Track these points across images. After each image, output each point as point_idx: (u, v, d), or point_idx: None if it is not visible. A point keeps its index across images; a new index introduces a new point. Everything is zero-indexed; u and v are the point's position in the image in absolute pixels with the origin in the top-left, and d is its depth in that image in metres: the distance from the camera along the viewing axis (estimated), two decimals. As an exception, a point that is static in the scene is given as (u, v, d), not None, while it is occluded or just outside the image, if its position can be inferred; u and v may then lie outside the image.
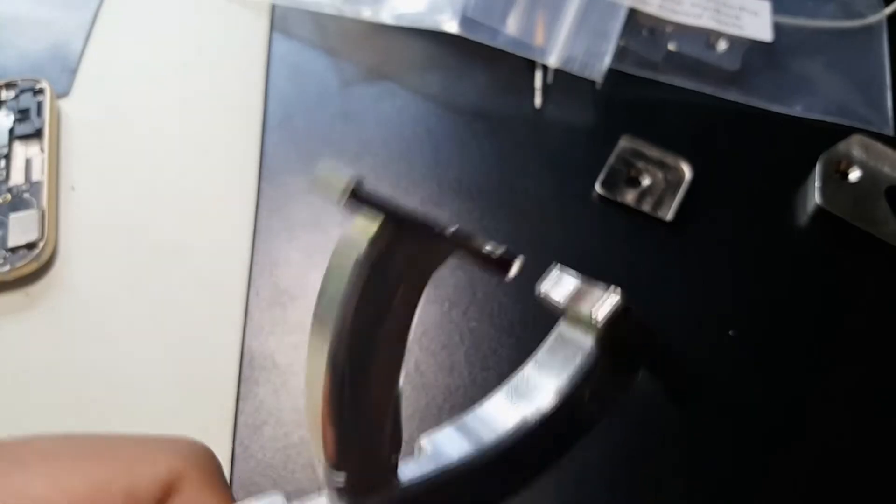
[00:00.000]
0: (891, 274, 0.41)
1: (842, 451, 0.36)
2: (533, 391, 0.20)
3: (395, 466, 0.18)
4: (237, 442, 0.35)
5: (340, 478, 0.18)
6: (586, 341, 0.20)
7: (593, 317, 0.19)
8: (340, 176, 0.17)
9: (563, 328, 0.21)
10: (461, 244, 0.18)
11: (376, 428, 0.18)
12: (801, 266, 0.42)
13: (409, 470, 0.18)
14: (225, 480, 0.22)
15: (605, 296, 0.19)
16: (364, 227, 0.18)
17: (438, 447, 0.19)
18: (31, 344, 0.37)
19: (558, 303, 0.21)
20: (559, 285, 0.21)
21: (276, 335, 0.38)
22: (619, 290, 0.19)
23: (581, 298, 0.20)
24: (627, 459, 0.35)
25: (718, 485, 0.35)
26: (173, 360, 0.37)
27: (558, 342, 0.21)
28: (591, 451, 0.35)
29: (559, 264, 0.21)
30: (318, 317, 0.18)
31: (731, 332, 0.39)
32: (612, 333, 0.19)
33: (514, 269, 0.20)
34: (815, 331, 0.40)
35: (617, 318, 0.19)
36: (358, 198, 0.17)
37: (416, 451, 0.19)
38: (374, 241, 0.17)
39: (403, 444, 0.19)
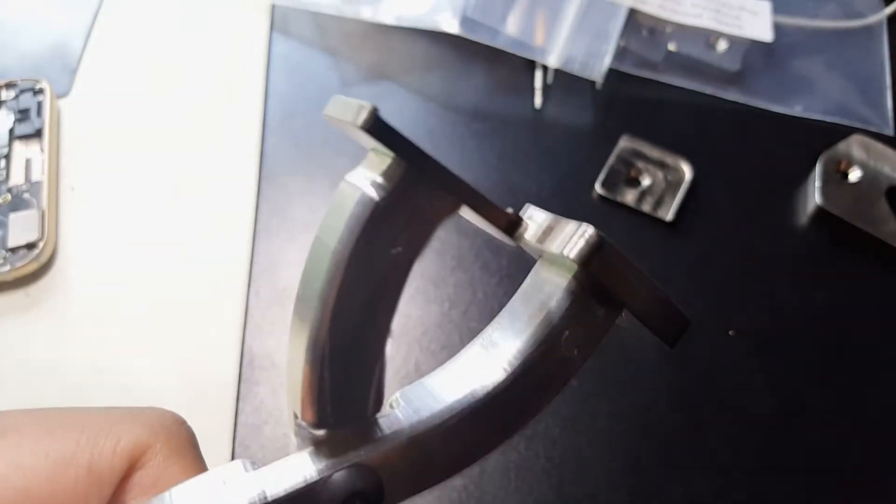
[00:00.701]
0: (891, 274, 0.41)
1: (842, 450, 0.36)
2: (507, 339, 0.19)
3: (374, 423, 0.18)
4: (237, 442, 0.35)
5: (320, 433, 0.17)
6: (561, 281, 0.19)
7: (566, 254, 0.18)
8: (358, 102, 0.16)
9: (538, 269, 0.20)
10: (472, 196, 0.17)
11: (363, 385, 0.18)
12: (801, 266, 0.42)
13: (384, 424, 0.18)
14: (197, 451, 0.21)
15: (578, 231, 0.18)
16: (375, 164, 0.17)
17: (412, 401, 0.18)
18: (31, 344, 0.37)
19: (530, 240, 0.19)
20: (531, 222, 0.19)
21: (276, 335, 0.38)
22: (592, 226, 0.18)
23: (554, 236, 0.19)
24: (627, 459, 0.35)
25: (718, 484, 0.35)
26: (173, 360, 0.37)
27: (533, 285, 0.20)
28: (591, 450, 0.35)
29: (531, 204, 0.20)
30: (314, 253, 0.17)
31: (730, 332, 0.39)
32: (588, 271, 0.18)
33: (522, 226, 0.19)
34: (815, 330, 0.40)
35: (593, 254, 0.18)
36: (376, 124, 0.15)
37: (388, 406, 0.18)
38: (387, 177, 0.16)
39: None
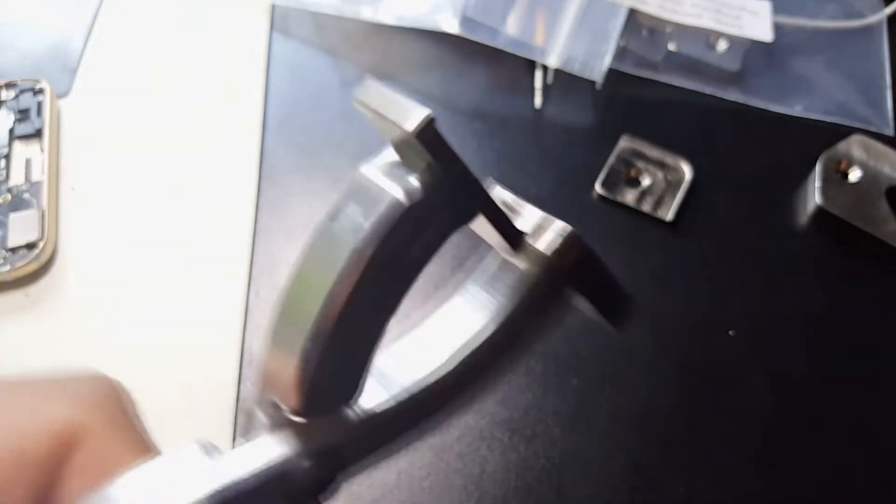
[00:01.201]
0: (891, 274, 0.41)
1: (841, 450, 0.36)
2: (471, 314, 0.19)
3: (350, 409, 0.18)
4: (237, 443, 0.35)
5: (299, 420, 0.17)
6: (526, 266, 0.19)
7: (538, 247, 0.18)
8: (411, 103, 0.15)
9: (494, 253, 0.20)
10: (491, 207, 0.17)
11: (352, 379, 0.17)
12: (801, 266, 0.42)
13: (357, 410, 0.18)
14: (137, 421, 0.19)
15: (549, 223, 0.18)
16: (398, 161, 0.17)
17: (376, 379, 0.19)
18: (31, 344, 0.37)
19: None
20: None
21: (276, 335, 0.38)
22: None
23: (520, 221, 0.19)
24: (627, 459, 0.35)
25: (718, 484, 0.35)
26: (173, 360, 0.37)
27: (491, 267, 0.20)
28: (591, 450, 0.35)
29: (491, 178, 0.20)
30: (324, 243, 0.16)
31: (730, 332, 0.39)
32: (555, 262, 0.18)
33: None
34: (815, 331, 0.40)
35: (566, 248, 0.18)
36: (435, 138, 0.15)
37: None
38: (420, 182, 0.16)
39: None
